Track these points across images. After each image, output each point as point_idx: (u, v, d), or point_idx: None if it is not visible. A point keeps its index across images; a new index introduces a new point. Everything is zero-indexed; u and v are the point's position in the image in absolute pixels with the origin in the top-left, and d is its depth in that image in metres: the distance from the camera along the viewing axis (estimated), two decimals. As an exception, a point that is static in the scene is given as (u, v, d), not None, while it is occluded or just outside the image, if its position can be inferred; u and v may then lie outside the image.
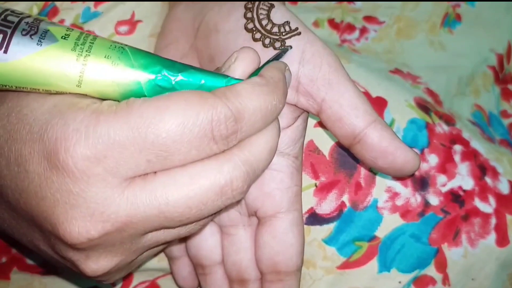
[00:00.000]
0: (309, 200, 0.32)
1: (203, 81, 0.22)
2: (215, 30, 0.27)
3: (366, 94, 0.33)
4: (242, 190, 0.21)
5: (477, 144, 0.34)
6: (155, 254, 0.29)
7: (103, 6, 0.35)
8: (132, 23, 0.35)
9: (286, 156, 0.28)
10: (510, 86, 0.42)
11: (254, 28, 0.27)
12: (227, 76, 0.22)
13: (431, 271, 0.32)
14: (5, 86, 0.21)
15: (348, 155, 0.32)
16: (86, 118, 0.19)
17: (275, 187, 0.28)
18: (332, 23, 0.40)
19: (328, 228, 0.32)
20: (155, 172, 0.21)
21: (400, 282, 0.32)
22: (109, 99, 0.21)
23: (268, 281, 0.29)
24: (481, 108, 0.40)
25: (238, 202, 0.27)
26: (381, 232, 0.32)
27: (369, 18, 0.41)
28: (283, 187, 0.28)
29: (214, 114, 0.20)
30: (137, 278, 0.34)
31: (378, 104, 0.33)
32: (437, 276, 0.32)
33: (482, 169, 0.33)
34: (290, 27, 0.26)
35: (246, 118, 0.21)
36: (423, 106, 0.34)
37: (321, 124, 0.33)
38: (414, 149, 0.28)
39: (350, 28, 0.40)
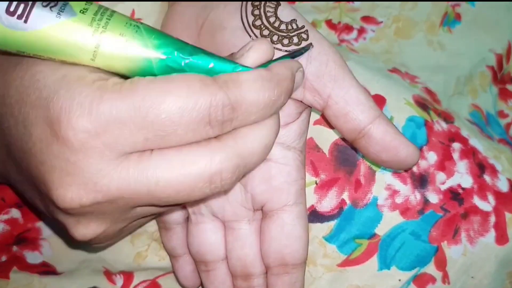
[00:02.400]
0: (309, 198, 0.32)
1: (212, 65, 0.22)
2: (221, 27, 0.28)
3: (365, 92, 0.33)
4: (231, 181, 0.22)
5: (476, 141, 0.34)
6: (142, 225, 0.30)
7: (103, 4, 0.36)
8: (132, 22, 0.35)
9: (292, 149, 0.29)
10: (508, 86, 0.42)
11: (262, 25, 0.27)
12: (236, 63, 0.23)
13: (431, 269, 0.32)
14: (23, 52, 0.21)
15: (347, 152, 0.33)
16: (91, 93, 0.20)
17: (283, 180, 0.29)
18: (330, 23, 0.40)
19: (328, 226, 0.32)
20: (151, 151, 0.21)
21: (400, 280, 0.32)
22: (121, 74, 0.22)
23: (275, 275, 0.29)
24: (479, 108, 0.40)
25: (226, 192, 0.28)
26: (381, 229, 0.32)
27: (367, 18, 0.41)
28: (291, 180, 0.29)
29: (213, 100, 0.21)
30: (137, 277, 0.34)
31: (377, 102, 0.33)
32: (437, 274, 0.32)
33: (481, 167, 0.33)
34: (297, 24, 0.27)
35: (243, 108, 0.22)
36: (421, 104, 0.34)
37: (321, 121, 0.33)
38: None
39: (348, 28, 0.40)
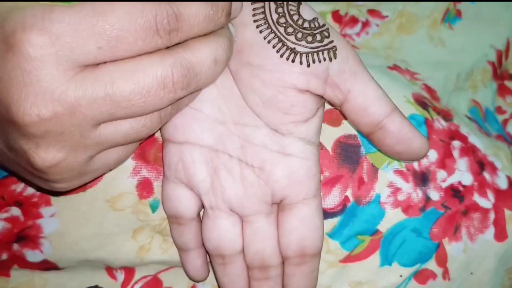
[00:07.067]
0: (313, 195, 0.32)
1: None
2: (243, 24, 0.28)
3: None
4: (182, 86, 0.24)
5: (475, 139, 0.35)
6: (111, 168, 0.29)
7: None
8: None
9: (312, 144, 0.30)
10: (506, 82, 0.43)
11: (286, 23, 0.28)
12: None
13: (431, 265, 0.32)
14: None
15: (350, 150, 0.33)
16: (43, 7, 0.21)
17: (304, 174, 0.29)
18: (336, 15, 0.40)
19: (332, 222, 0.32)
20: (105, 63, 0.22)
21: (401, 276, 0.32)
22: None
23: (294, 265, 0.30)
24: (478, 103, 0.41)
25: (177, 101, 0.27)
26: (384, 226, 0.32)
27: (373, 12, 0.41)
28: (311, 174, 0.30)
29: (157, 9, 0.22)
30: (139, 273, 0.34)
31: (380, 100, 0.33)
32: (438, 270, 0.32)
33: (480, 165, 0.34)
34: (318, 23, 0.28)
35: (186, 19, 0.23)
36: (421, 102, 0.35)
37: (324, 119, 0.33)
38: None
39: (354, 21, 0.40)
